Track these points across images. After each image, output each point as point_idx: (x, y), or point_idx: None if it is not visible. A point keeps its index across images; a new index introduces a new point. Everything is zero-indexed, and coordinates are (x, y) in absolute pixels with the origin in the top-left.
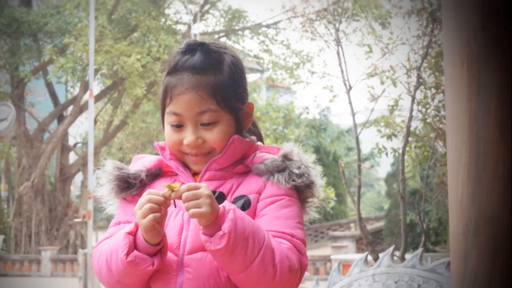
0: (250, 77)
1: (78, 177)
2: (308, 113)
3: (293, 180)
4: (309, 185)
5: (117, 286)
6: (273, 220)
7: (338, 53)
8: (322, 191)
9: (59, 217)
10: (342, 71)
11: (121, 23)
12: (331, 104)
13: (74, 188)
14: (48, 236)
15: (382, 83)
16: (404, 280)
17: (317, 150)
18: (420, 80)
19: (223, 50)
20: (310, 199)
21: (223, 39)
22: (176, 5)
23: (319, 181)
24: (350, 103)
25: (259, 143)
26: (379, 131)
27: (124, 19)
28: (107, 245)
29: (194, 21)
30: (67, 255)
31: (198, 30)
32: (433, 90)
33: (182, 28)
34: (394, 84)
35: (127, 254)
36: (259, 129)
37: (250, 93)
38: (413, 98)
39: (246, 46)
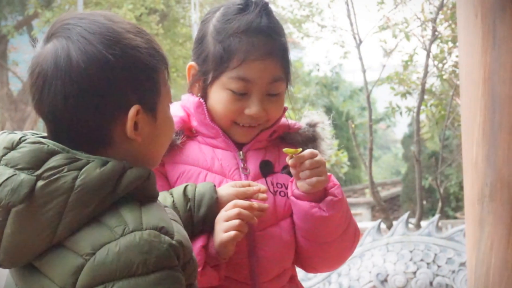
0: None
1: None
2: (318, 70)
3: (323, 152)
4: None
5: None
6: None
7: (346, 3)
8: (334, 154)
9: None
10: (351, 24)
11: None
12: (344, 61)
13: None
14: None
15: (395, 36)
16: (420, 249)
17: (329, 110)
18: (436, 33)
19: None
20: None
21: None
22: None
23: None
24: (361, 58)
25: None
26: (393, 88)
27: None
28: None
29: None
30: None
31: None
32: (450, 44)
33: None
34: (408, 38)
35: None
36: None
37: None
38: (428, 52)
39: None
